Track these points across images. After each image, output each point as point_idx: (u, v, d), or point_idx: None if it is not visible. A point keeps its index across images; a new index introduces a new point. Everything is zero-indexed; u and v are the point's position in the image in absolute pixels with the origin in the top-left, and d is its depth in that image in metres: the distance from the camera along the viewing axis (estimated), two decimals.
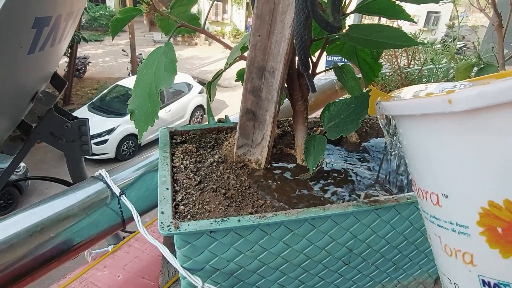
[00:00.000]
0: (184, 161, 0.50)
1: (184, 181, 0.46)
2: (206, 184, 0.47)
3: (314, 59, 0.50)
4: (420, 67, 1.02)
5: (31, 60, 0.90)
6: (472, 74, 0.63)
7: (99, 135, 7.42)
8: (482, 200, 0.25)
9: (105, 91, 8.69)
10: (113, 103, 8.38)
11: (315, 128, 0.59)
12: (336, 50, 0.57)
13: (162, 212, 0.39)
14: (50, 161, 6.58)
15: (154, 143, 7.95)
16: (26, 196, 5.60)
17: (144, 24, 15.75)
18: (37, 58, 0.93)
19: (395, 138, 0.46)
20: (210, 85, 0.61)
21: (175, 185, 0.46)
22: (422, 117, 0.28)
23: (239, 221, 0.39)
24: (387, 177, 0.51)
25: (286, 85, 0.47)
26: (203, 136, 0.58)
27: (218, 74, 0.59)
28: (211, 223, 0.38)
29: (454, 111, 0.24)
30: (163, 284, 0.58)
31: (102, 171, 0.53)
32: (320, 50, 0.48)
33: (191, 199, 0.43)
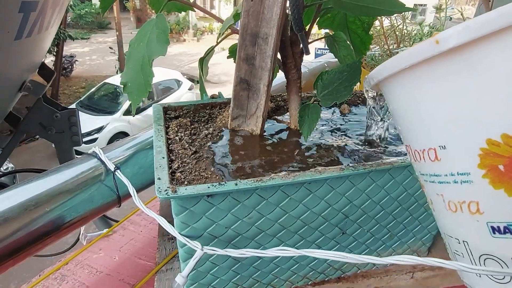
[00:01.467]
0: (179, 134, 0.50)
1: (179, 151, 0.46)
2: (201, 154, 0.47)
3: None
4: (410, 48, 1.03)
5: (18, 46, 0.89)
6: None
7: (89, 133, 7.33)
8: (480, 140, 0.26)
9: (93, 89, 8.58)
10: (101, 101, 8.28)
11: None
12: (327, 23, 0.58)
13: (159, 178, 0.39)
14: (39, 161, 6.48)
15: None
16: None
17: (131, 21, 15.57)
18: (24, 45, 0.91)
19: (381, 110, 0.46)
20: (202, 61, 0.61)
21: (170, 155, 0.46)
22: (410, 71, 0.28)
23: (236, 184, 0.39)
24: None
25: (279, 53, 0.48)
26: (196, 112, 0.58)
27: (210, 50, 0.59)
28: (209, 187, 0.38)
29: (442, 50, 0.25)
30: (160, 260, 0.58)
31: (96, 148, 0.53)
32: (311, 20, 0.48)
33: (187, 167, 0.43)
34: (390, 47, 1.04)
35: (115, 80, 8.72)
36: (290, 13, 0.38)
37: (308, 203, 0.45)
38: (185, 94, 9.14)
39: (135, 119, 7.90)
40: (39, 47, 1.09)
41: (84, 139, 7.17)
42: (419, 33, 1.02)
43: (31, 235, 0.45)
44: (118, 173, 0.48)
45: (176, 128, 0.51)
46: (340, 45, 0.51)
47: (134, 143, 0.61)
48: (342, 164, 0.47)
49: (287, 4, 0.38)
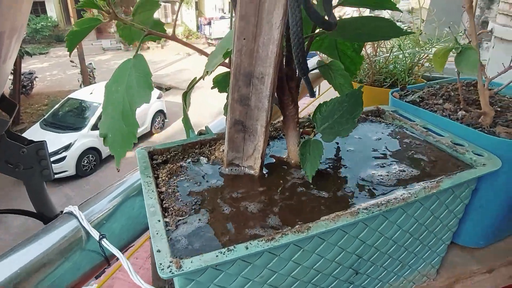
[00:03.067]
0: (171, 184, 0.45)
1: (175, 207, 0.42)
2: (200, 206, 0.42)
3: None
4: (388, 54, 1.02)
5: None
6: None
7: (56, 152, 7.01)
8: None
9: (56, 106, 8.24)
10: (67, 118, 7.95)
11: (305, 130, 0.56)
12: (316, 46, 0.55)
13: (159, 251, 0.34)
14: (4, 186, 6.13)
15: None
16: None
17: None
18: None
19: None
20: (185, 96, 0.56)
21: (165, 213, 0.41)
22: None
23: (246, 248, 0.35)
24: None
25: None
26: (185, 152, 0.53)
27: (194, 84, 0.54)
28: (217, 255, 0.34)
29: None
30: None
31: (75, 210, 0.47)
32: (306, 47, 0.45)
33: (186, 227, 0.39)
34: (368, 54, 1.02)
35: (80, 94, 8.41)
36: (293, 54, 0.35)
37: (321, 251, 0.41)
38: (154, 103, 8.94)
39: None
40: None
41: (52, 159, 6.88)
42: (399, 40, 1.01)
43: None
44: (105, 243, 0.42)
45: (166, 178, 0.46)
46: (336, 73, 0.48)
47: (118, 191, 0.56)
48: (353, 203, 0.44)
49: (287, 42, 0.34)
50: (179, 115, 9.63)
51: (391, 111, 0.66)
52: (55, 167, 6.88)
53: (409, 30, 1.12)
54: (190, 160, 0.51)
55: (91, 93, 8.32)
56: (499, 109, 0.68)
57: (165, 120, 9.34)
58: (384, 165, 0.51)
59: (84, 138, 7.44)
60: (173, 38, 0.50)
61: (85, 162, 7.43)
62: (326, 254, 0.42)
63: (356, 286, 0.49)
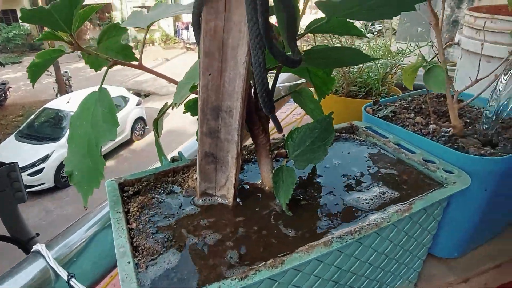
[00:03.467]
0: (142, 220, 0.44)
1: (145, 245, 0.40)
2: (171, 243, 0.41)
3: None
4: (361, 65, 1.03)
5: None
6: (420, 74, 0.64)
7: (33, 164, 6.81)
8: None
9: (32, 116, 8.00)
10: (43, 128, 7.74)
11: (279, 152, 0.56)
12: (287, 69, 0.54)
13: None
14: None
15: None
16: None
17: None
18: None
19: None
20: (156, 123, 0.55)
21: (136, 253, 0.40)
22: None
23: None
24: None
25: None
26: (157, 182, 0.52)
27: (163, 111, 0.53)
28: None
29: None
30: None
31: (43, 249, 0.45)
32: (273, 79, 0.45)
33: (157, 268, 0.38)
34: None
35: (56, 104, 8.20)
36: (258, 95, 0.34)
37: (297, 282, 0.41)
38: (133, 111, 8.80)
39: None
40: None
41: (29, 171, 6.69)
42: (371, 51, 1.02)
43: None
44: (74, 283, 0.41)
45: (137, 213, 0.45)
46: (306, 99, 0.48)
47: (90, 224, 0.54)
48: (327, 230, 0.44)
49: (253, 80, 0.34)
50: None
51: (364, 127, 0.66)
52: (33, 179, 6.68)
53: (382, 31, 1.14)
54: (162, 190, 0.50)
55: (68, 102, 8.13)
56: (468, 120, 0.69)
57: (146, 127, 9.21)
58: (358, 187, 0.51)
59: (62, 148, 7.25)
60: (140, 67, 0.49)
61: (64, 173, 7.24)
62: (302, 284, 0.42)
63: None
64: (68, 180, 0.42)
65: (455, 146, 0.58)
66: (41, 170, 6.83)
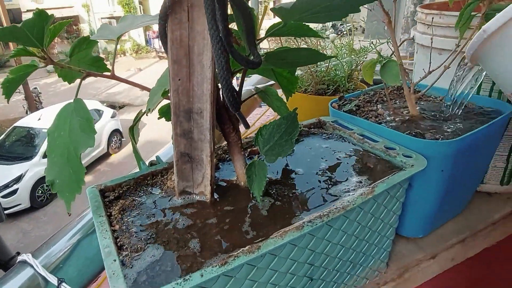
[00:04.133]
0: (124, 221, 0.46)
1: (129, 244, 0.43)
2: (154, 240, 0.44)
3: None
4: (327, 64, 1.08)
5: None
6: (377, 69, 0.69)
7: (6, 186, 6.58)
8: None
9: (2, 136, 7.73)
10: (15, 148, 7.49)
11: (252, 149, 0.59)
12: (255, 70, 0.58)
13: None
14: None
15: None
16: None
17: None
18: None
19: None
20: (132, 130, 0.57)
21: (121, 251, 0.42)
22: None
23: (201, 276, 0.37)
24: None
25: None
26: (137, 185, 0.54)
27: (139, 118, 0.56)
28: (173, 287, 0.36)
29: None
30: None
31: (29, 258, 0.47)
32: (240, 80, 0.48)
33: (142, 263, 0.40)
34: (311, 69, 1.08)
35: (27, 121, 7.96)
36: (224, 95, 0.37)
37: (274, 266, 0.44)
38: (109, 123, 8.66)
39: None
40: None
41: (2, 193, 6.45)
42: (336, 49, 1.08)
43: None
44: (64, 287, 0.42)
45: (119, 215, 0.47)
46: (272, 97, 0.52)
47: (73, 231, 0.55)
48: (299, 215, 0.47)
49: (218, 82, 0.37)
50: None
51: (331, 121, 0.71)
52: (7, 201, 6.45)
53: (352, 29, 1.20)
54: (142, 193, 0.53)
55: (39, 119, 7.91)
56: (425, 108, 0.75)
57: (122, 139, 9.06)
58: (326, 177, 0.55)
59: (36, 167, 7.05)
60: (113, 77, 0.51)
61: (40, 192, 7.03)
62: (280, 267, 0.45)
63: None
64: (50, 189, 0.44)
65: (413, 133, 0.63)
66: (15, 191, 6.61)
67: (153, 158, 0.60)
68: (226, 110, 0.46)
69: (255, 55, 0.39)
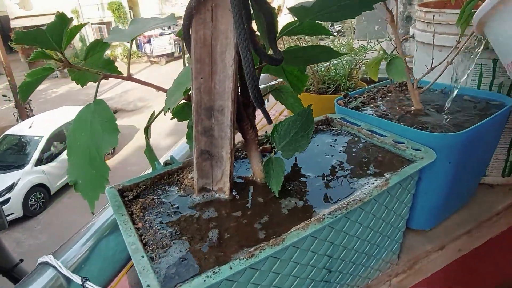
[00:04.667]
0: (147, 219, 0.47)
1: (155, 240, 0.44)
2: (179, 236, 0.44)
3: None
4: (328, 63, 1.10)
5: None
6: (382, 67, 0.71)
7: None
8: None
9: None
10: (6, 156, 7.39)
11: (264, 147, 0.60)
12: (265, 70, 0.59)
13: (148, 286, 0.36)
14: None
15: (66, 188, 7.20)
16: None
17: (21, 62, 14.16)
18: None
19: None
20: (147, 130, 0.58)
21: (147, 248, 0.43)
22: None
23: (230, 268, 0.38)
24: None
25: None
26: (154, 185, 0.55)
27: (153, 118, 0.57)
28: (204, 280, 0.37)
29: None
30: None
31: (51, 259, 0.47)
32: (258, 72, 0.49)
33: (170, 258, 0.41)
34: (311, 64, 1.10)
35: (18, 129, 7.86)
36: (250, 91, 0.39)
37: (296, 258, 0.45)
38: None
39: (51, 168, 7.20)
40: None
41: None
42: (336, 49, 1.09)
43: None
44: (89, 285, 0.43)
45: (141, 213, 0.48)
46: (286, 95, 0.53)
47: (89, 234, 0.56)
48: (318, 210, 0.48)
49: (244, 79, 0.38)
50: (129, 138, 9.33)
51: (338, 118, 0.72)
52: None
53: (342, 31, 1.22)
54: (161, 191, 0.53)
55: (31, 126, 7.82)
56: (428, 103, 0.77)
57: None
58: (340, 171, 0.56)
59: (29, 175, 6.96)
60: (130, 78, 0.52)
61: (33, 201, 6.94)
62: (301, 260, 0.46)
63: (331, 283, 0.54)
64: (74, 189, 0.45)
65: (420, 127, 0.64)
66: (7, 201, 6.51)
67: (167, 158, 0.61)
68: (244, 107, 0.47)
69: (277, 53, 0.40)
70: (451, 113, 0.70)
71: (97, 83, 0.52)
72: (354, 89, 1.09)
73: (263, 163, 0.51)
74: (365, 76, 1.19)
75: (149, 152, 0.59)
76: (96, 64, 0.59)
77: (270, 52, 0.46)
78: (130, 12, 17.05)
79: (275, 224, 0.46)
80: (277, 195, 0.49)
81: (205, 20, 0.38)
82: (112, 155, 8.84)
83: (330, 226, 0.47)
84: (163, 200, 0.51)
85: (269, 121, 0.43)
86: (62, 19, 0.43)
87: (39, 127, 7.79)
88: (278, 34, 0.48)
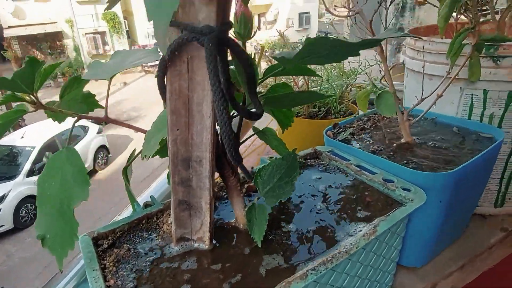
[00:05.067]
0: (119, 276, 0.44)
1: None
2: None
3: None
4: (319, 87, 1.08)
5: None
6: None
7: None
8: None
9: None
10: None
11: (249, 186, 0.58)
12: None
13: None
14: None
15: None
16: None
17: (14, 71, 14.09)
18: None
19: None
20: (126, 170, 0.56)
21: None
22: None
23: None
24: None
25: None
26: (132, 230, 0.52)
27: (132, 159, 0.54)
28: None
29: None
30: None
31: None
32: (237, 126, 0.47)
33: None
34: (300, 88, 1.08)
35: (9, 140, 7.77)
36: (226, 149, 0.36)
37: None
38: (95, 139, 8.53)
39: None
40: None
41: None
42: (326, 72, 1.08)
43: None
44: None
45: (114, 268, 0.45)
46: (271, 137, 0.51)
47: (66, 280, 0.53)
48: (302, 262, 0.46)
49: (220, 135, 0.36)
50: (122, 148, 9.27)
51: (327, 151, 0.70)
52: None
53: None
54: (138, 239, 0.50)
55: (22, 137, 7.74)
56: (419, 134, 0.75)
57: (109, 155, 8.93)
58: (326, 213, 0.54)
59: (20, 186, 6.87)
60: (106, 119, 0.49)
61: (24, 212, 6.84)
62: None
63: None
64: (41, 245, 0.42)
65: (410, 164, 0.63)
66: None
67: (148, 198, 0.58)
68: (225, 155, 0.45)
69: (257, 106, 0.38)
70: (442, 148, 0.69)
71: (72, 125, 0.49)
72: (345, 112, 1.08)
73: (246, 209, 0.49)
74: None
75: (129, 194, 0.57)
76: (74, 100, 0.56)
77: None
78: (124, 22, 17.09)
79: (257, 278, 0.43)
80: (259, 245, 0.47)
81: (180, 71, 0.36)
82: (105, 165, 8.77)
83: (315, 281, 0.44)
84: (139, 251, 0.48)
85: (249, 177, 0.41)
86: (32, 65, 0.41)
87: (31, 137, 7.72)
88: (261, 77, 0.46)
